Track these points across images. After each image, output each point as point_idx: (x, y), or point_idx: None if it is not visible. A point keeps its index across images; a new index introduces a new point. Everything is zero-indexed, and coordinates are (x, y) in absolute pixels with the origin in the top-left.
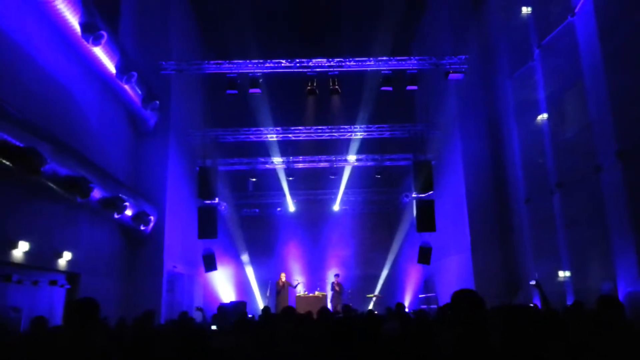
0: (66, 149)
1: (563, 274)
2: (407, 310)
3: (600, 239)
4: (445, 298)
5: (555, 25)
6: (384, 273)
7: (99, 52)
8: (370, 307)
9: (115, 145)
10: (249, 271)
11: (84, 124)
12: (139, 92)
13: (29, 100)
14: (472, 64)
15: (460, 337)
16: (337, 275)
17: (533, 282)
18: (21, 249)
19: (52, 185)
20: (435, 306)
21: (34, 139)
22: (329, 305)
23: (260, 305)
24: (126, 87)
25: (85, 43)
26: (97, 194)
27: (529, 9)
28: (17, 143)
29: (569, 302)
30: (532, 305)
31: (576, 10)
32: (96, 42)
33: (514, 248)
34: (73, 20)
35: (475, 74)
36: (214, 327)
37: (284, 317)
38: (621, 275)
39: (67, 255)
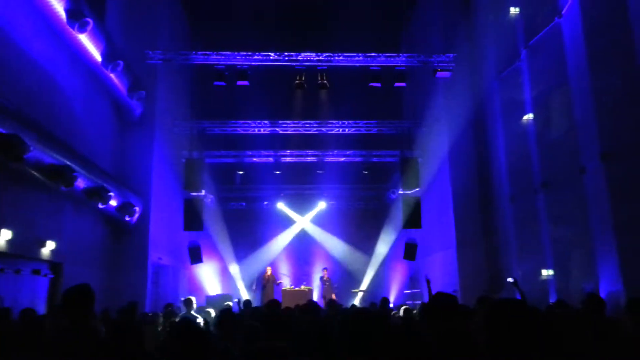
0: (50, 137)
1: (546, 273)
2: (391, 305)
3: (583, 239)
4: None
5: (543, 26)
6: (370, 269)
7: (85, 40)
8: (356, 302)
9: (100, 134)
10: (234, 264)
11: (68, 112)
12: (125, 81)
13: (12, 87)
14: (460, 62)
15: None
16: (325, 269)
17: (511, 280)
18: (3, 237)
19: (35, 173)
20: (420, 302)
21: (17, 126)
22: (317, 299)
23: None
24: (112, 75)
25: (71, 30)
26: (81, 183)
27: (517, 9)
28: (0, 130)
29: (552, 301)
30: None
31: (563, 12)
32: (82, 29)
33: (498, 246)
34: (58, 6)
35: (462, 72)
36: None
37: (269, 309)
38: (603, 275)
39: (50, 245)
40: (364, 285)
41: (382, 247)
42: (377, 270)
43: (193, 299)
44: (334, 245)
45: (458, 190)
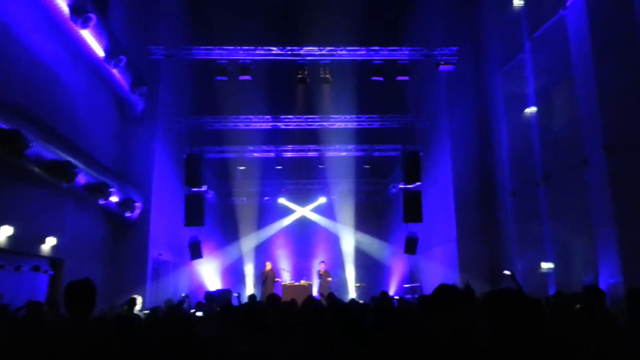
0: (51, 132)
1: (546, 266)
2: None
3: (584, 232)
4: (429, 288)
5: (547, 19)
6: (371, 262)
7: (87, 35)
8: (354, 296)
9: (101, 130)
10: (236, 260)
11: (70, 107)
12: (128, 77)
13: (14, 82)
14: (463, 55)
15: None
16: (322, 262)
17: (508, 272)
18: (4, 233)
19: (36, 169)
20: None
21: (18, 122)
22: (316, 293)
23: (248, 293)
24: (114, 71)
25: (74, 25)
26: (82, 179)
27: (521, 1)
28: (1, 125)
29: (551, 293)
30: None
31: (568, 4)
32: (85, 25)
33: (499, 239)
34: (61, 1)
35: (465, 65)
36: (199, 314)
37: (269, 305)
38: (603, 267)
39: (50, 241)
40: (364, 279)
41: (383, 241)
42: (378, 264)
43: (138, 298)
44: (335, 237)
45: (459, 184)
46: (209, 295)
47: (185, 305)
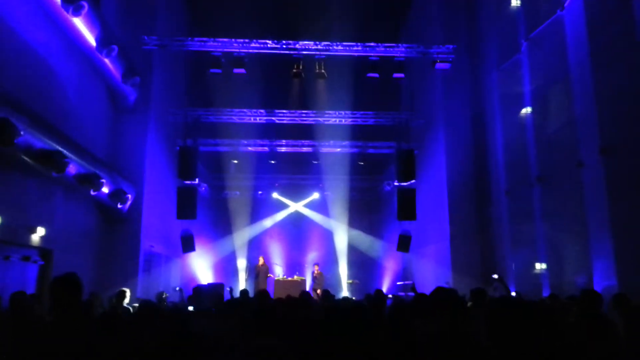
0: (42, 121)
1: (539, 266)
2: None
3: (578, 233)
4: (422, 286)
5: (544, 19)
6: (364, 259)
7: (79, 24)
8: (347, 293)
9: (93, 120)
10: (229, 253)
11: (61, 97)
12: (120, 66)
13: (3, 71)
14: (460, 54)
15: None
16: (316, 264)
17: (496, 276)
18: None
19: (26, 158)
20: (412, 294)
21: (7, 110)
22: (308, 289)
23: (241, 287)
24: (106, 61)
25: (65, 13)
26: (72, 169)
27: (519, 1)
28: None
29: (545, 294)
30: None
31: (565, 4)
32: (76, 13)
33: (492, 239)
34: None
35: (462, 64)
36: (190, 308)
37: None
38: (597, 269)
39: (40, 231)
40: (356, 276)
41: (376, 238)
42: (371, 261)
43: (127, 291)
44: (328, 233)
45: (453, 183)
46: (197, 289)
47: (178, 299)
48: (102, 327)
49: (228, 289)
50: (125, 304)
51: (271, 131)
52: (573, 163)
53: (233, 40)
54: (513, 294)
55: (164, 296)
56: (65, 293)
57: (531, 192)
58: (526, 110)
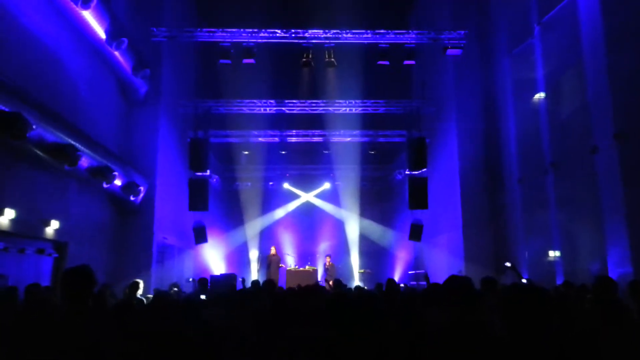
0: (53, 115)
1: (553, 254)
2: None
3: (592, 220)
4: (434, 275)
5: (557, 2)
6: (375, 249)
7: (89, 17)
8: (359, 282)
9: (104, 113)
10: (241, 244)
11: (72, 90)
12: (130, 59)
13: (15, 65)
14: (471, 39)
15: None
16: (328, 256)
17: (508, 264)
18: (7, 216)
19: (38, 152)
20: (424, 283)
21: (19, 104)
22: (320, 279)
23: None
24: (116, 53)
25: (75, 6)
26: (85, 162)
27: None
28: (2, 107)
29: (559, 282)
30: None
31: None
32: (85, 6)
33: (505, 227)
34: None
35: (473, 50)
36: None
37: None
38: (612, 256)
39: (54, 224)
40: (369, 265)
41: (388, 227)
42: (383, 251)
43: (139, 282)
44: (340, 223)
45: (466, 171)
46: (203, 280)
47: (192, 290)
48: (115, 317)
49: (240, 279)
50: (139, 295)
51: (281, 121)
52: (587, 149)
53: (242, 30)
54: (524, 281)
55: (175, 288)
56: (77, 285)
57: (544, 179)
58: (539, 96)
